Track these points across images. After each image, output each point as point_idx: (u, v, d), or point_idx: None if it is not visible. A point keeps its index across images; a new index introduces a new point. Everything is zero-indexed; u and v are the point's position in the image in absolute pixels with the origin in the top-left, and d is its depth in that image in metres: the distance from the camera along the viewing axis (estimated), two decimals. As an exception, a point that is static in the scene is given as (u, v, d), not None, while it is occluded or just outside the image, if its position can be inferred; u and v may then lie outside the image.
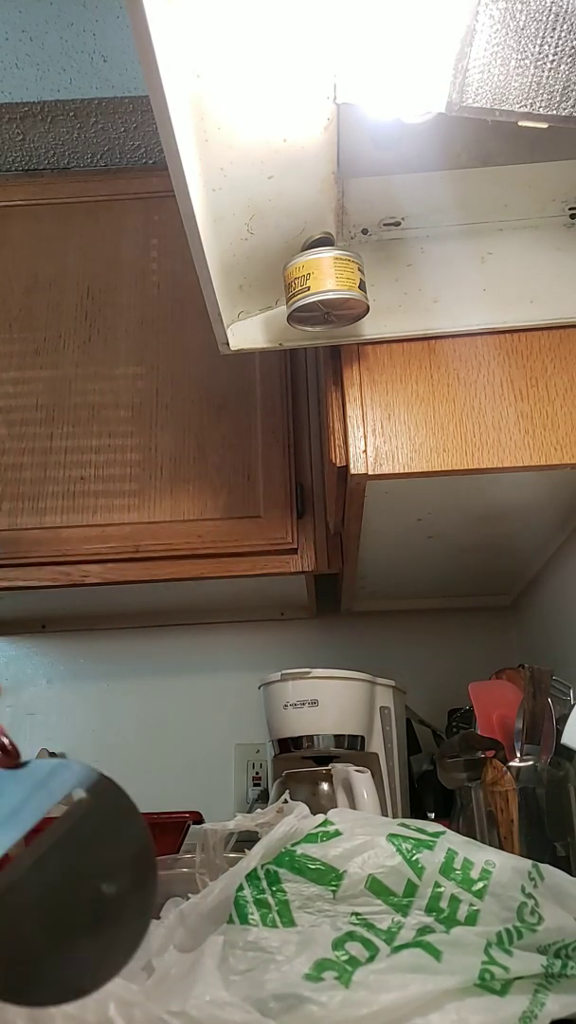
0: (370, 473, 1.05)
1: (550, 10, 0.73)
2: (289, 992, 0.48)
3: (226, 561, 1.37)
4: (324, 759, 1.18)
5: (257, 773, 1.57)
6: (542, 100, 0.78)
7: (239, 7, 0.75)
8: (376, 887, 0.57)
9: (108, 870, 0.45)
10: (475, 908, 0.56)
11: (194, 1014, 0.46)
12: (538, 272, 1.10)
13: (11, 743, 0.46)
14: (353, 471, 1.05)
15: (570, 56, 0.75)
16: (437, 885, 0.57)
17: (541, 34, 0.74)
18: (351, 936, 0.54)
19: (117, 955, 0.44)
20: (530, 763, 0.97)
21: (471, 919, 0.56)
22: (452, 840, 0.62)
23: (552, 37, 0.74)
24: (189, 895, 0.64)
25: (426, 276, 1.11)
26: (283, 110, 0.87)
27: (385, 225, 1.12)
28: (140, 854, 0.47)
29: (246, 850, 0.63)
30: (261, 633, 1.67)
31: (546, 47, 0.75)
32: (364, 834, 0.61)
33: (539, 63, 0.76)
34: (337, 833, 0.61)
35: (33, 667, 1.68)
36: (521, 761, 0.98)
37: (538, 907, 0.57)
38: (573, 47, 0.75)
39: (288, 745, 1.20)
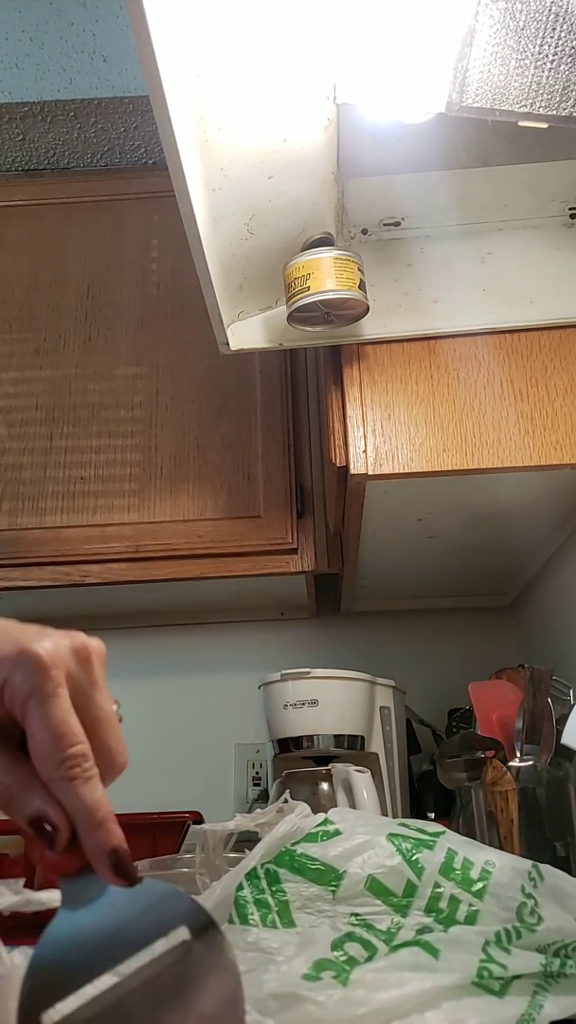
0: (370, 473, 1.05)
1: (550, 10, 0.73)
2: (287, 991, 0.48)
3: (226, 561, 1.37)
4: (324, 759, 1.18)
5: (257, 773, 1.57)
6: (542, 100, 0.78)
7: (239, 8, 0.75)
8: (376, 887, 0.57)
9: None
10: (475, 908, 0.56)
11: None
12: (538, 272, 1.10)
13: (132, 863, 0.42)
14: (353, 471, 1.05)
15: (570, 56, 0.75)
16: (437, 885, 0.57)
17: (541, 34, 0.74)
18: (350, 937, 0.54)
19: None
20: (530, 763, 0.97)
21: (471, 919, 0.56)
22: (452, 840, 0.62)
23: (552, 37, 0.74)
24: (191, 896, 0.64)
25: (426, 276, 1.11)
26: (283, 110, 0.87)
27: (385, 225, 1.12)
28: (227, 1015, 0.42)
29: (246, 850, 0.63)
30: (261, 633, 1.67)
31: (546, 47, 0.75)
32: (364, 833, 0.61)
33: (539, 63, 0.76)
34: (337, 832, 0.61)
35: (33, 667, 1.68)
36: (521, 761, 0.98)
37: (538, 907, 0.57)
38: (573, 47, 0.75)
39: (288, 745, 1.20)
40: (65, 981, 0.40)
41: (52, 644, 0.40)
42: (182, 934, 0.42)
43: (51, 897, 0.60)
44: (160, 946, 0.42)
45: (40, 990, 0.41)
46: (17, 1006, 0.40)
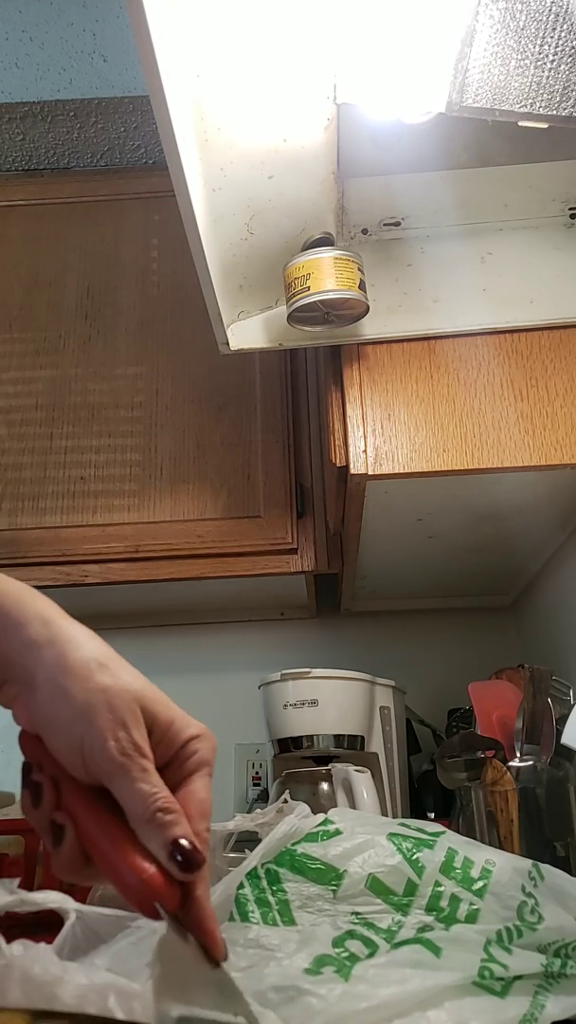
0: (370, 473, 1.05)
1: (550, 10, 0.73)
2: (288, 984, 0.48)
3: (226, 561, 1.37)
4: (324, 759, 1.18)
5: (257, 773, 1.57)
6: (542, 100, 0.78)
7: (239, 8, 0.75)
8: (376, 886, 0.57)
9: None
10: (475, 907, 0.56)
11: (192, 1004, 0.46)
12: (538, 272, 1.10)
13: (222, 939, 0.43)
14: (353, 471, 1.05)
15: (570, 56, 0.75)
16: (437, 884, 0.57)
17: (541, 34, 0.74)
18: (351, 935, 0.54)
19: None
20: (530, 763, 0.97)
21: (471, 918, 0.56)
22: (452, 839, 0.62)
23: (552, 37, 0.74)
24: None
25: (426, 276, 1.11)
26: (283, 110, 0.87)
27: (385, 225, 1.12)
28: None
29: (246, 850, 0.63)
30: (261, 633, 1.67)
31: (546, 47, 0.75)
32: (364, 833, 0.61)
33: (539, 63, 0.76)
34: (337, 832, 0.61)
35: (33, 667, 1.67)
36: (521, 761, 0.98)
37: (538, 906, 0.57)
38: (573, 47, 0.75)
39: (288, 745, 1.20)
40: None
41: None
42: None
43: (46, 898, 0.61)
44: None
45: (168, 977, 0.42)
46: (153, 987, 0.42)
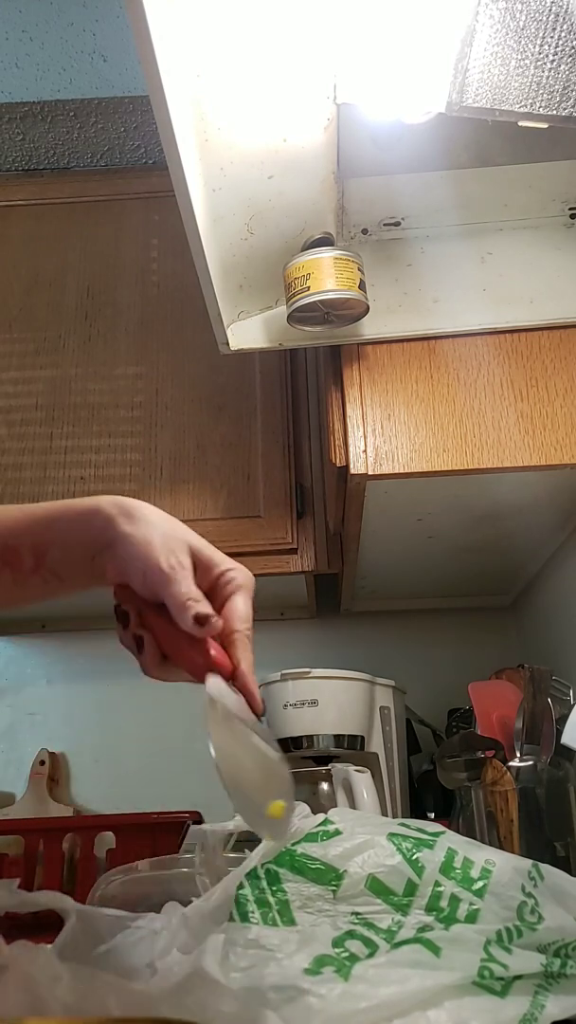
0: (370, 473, 1.05)
1: (550, 10, 0.73)
2: (288, 984, 0.48)
3: (226, 561, 1.37)
4: (324, 759, 1.18)
5: (257, 773, 1.56)
6: (542, 100, 0.78)
7: (239, 8, 0.75)
8: (376, 886, 0.57)
9: None
10: (475, 907, 0.56)
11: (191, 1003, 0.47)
12: (538, 272, 1.10)
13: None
14: (353, 471, 1.05)
15: (570, 56, 0.75)
16: (437, 884, 0.57)
17: (541, 34, 0.74)
18: (351, 935, 0.54)
19: None
20: (530, 763, 0.97)
21: (471, 918, 0.56)
22: (452, 839, 0.61)
23: (552, 37, 0.74)
24: (192, 898, 0.64)
25: (426, 276, 1.11)
26: (283, 110, 0.87)
27: (385, 225, 1.12)
28: None
29: (246, 850, 0.63)
30: (261, 633, 1.64)
31: (546, 47, 0.75)
32: (364, 833, 0.61)
33: (539, 63, 0.76)
34: (337, 832, 0.61)
35: (33, 667, 1.68)
36: (521, 761, 0.98)
37: (538, 906, 0.57)
38: (573, 47, 0.75)
39: (288, 745, 1.20)
40: None
41: None
42: None
43: (46, 898, 0.61)
44: None
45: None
46: None
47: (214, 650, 0.59)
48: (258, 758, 0.59)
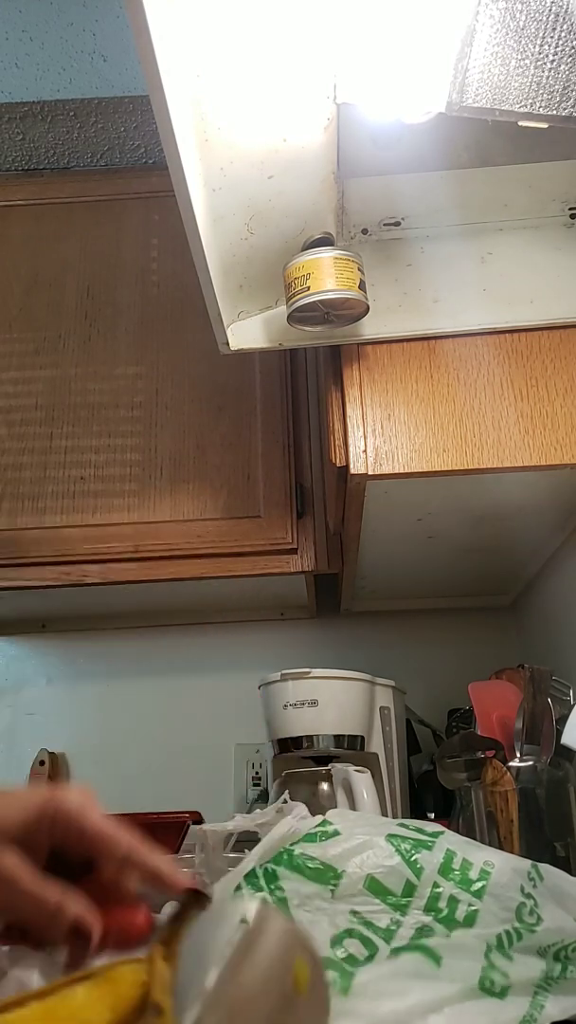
0: (370, 473, 1.05)
1: (550, 10, 0.73)
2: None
3: (226, 561, 1.37)
4: (324, 759, 1.18)
5: (257, 773, 1.57)
6: (542, 100, 0.78)
7: (239, 8, 0.75)
8: (374, 887, 0.57)
9: None
10: (474, 908, 0.56)
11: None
12: (538, 272, 1.10)
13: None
14: (353, 471, 1.05)
15: (570, 56, 0.75)
16: (436, 885, 0.57)
17: (541, 34, 0.74)
18: (349, 933, 0.54)
19: None
20: (530, 763, 0.97)
21: (470, 919, 0.56)
22: (451, 840, 0.61)
23: (552, 37, 0.74)
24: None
25: (426, 276, 1.11)
26: (283, 110, 0.87)
27: (385, 225, 1.12)
28: None
29: (246, 850, 0.63)
30: (261, 633, 1.67)
31: (546, 47, 0.75)
32: (363, 834, 0.61)
33: (539, 63, 0.76)
34: (336, 833, 0.61)
35: (33, 667, 1.68)
36: (521, 761, 0.98)
37: (537, 907, 0.57)
38: (573, 47, 0.75)
39: (288, 745, 1.20)
40: None
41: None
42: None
43: None
44: None
45: None
46: None
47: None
48: None
